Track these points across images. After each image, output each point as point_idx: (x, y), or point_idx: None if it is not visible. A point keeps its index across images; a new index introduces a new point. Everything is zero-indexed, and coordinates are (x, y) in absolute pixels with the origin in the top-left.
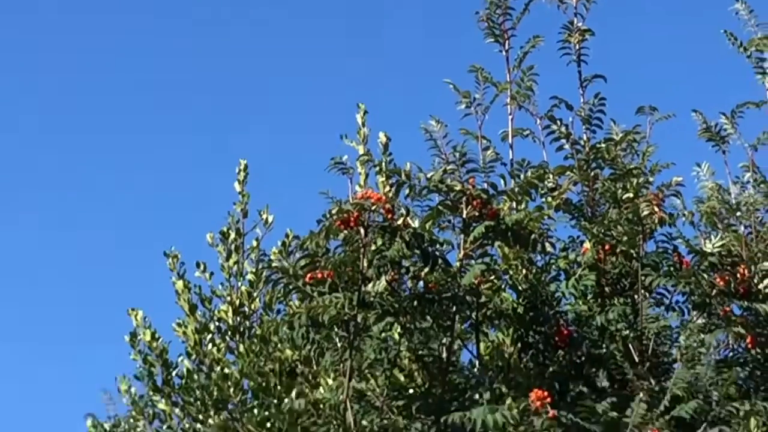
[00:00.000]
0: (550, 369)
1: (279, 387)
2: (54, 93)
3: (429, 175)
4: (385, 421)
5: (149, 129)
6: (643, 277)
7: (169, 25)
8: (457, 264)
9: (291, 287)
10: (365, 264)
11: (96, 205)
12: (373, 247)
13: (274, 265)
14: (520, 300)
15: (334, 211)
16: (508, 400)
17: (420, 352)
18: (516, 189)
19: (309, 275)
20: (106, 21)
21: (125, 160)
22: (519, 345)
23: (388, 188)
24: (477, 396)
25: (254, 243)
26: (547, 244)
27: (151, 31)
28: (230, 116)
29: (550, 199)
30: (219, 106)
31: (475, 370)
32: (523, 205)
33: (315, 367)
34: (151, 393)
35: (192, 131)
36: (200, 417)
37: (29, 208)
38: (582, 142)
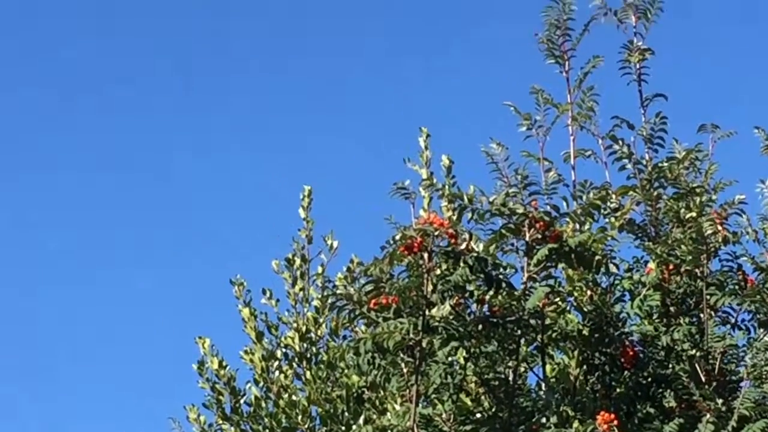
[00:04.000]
0: (617, 390)
1: (346, 413)
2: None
3: (491, 199)
4: None
5: (212, 155)
6: (708, 296)
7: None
8: (521, 287)
9: (356, 313)
10: (429, 289)
11: (162, 235)
12: (437, 272)
13: (339, 292)
14: (585, 321)
15: (397, 237)
16: (575, 423)
17: (486, 376)
18: (579, 210)
19: (374, 301)
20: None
21: (190, 188)
22: (585, 367)
23: (451, 212)
24: (544, 419)
25: (319, 269)
26: (611, 265)
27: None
28: (294, 142)
29: (613, 219)
30: (283, 130)
31: (542, 393)
32: (586, 227)
33: (382, 393)
34: (219, 421)
35: (255, 157)
36: None
37: (98, 240)
38: (644, 162)
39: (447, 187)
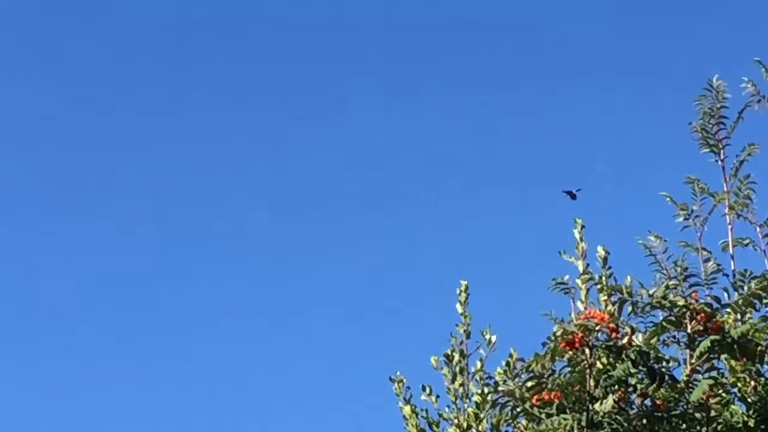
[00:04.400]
0: None
1: None
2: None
3: (651, 292)
4: None
5: (367, 250)
6: None
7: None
8: (684, 379)
9: (518, 410)
10: (592, 384)
11: (320, 334)
12: (599, 366)
13: (500, 388)
14: (751, 413)
15: (558, 333)
16: None
17: None
18: (740, 301)
19: (536, 397)
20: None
21: (348, 286)
22: None
23: (610, 305)
24: None
25: (478, 364)
26: None
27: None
28: (450, 237)
29: None
30: (440, 226)
31: None
32: (747, 317)
33: None
34: None
35: (411, 252)
36: None
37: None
38: None
39: (603, 278)
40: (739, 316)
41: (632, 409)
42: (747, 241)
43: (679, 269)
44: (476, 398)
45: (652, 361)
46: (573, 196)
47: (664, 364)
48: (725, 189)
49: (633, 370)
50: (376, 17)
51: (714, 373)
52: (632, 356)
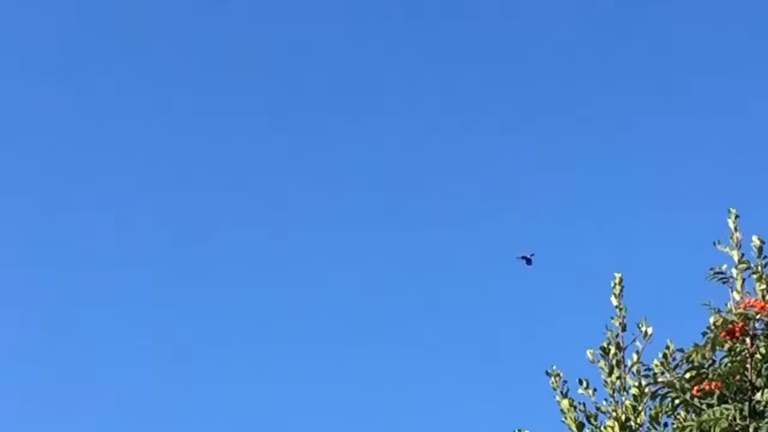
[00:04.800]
0: None
1: None
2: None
3: None
4: None
5: (516, 249)
6: None
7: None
8: None
9: (678, 401)
10: (753, 373)
11: (476, 330)
12: (759, 355)
13: (660, 379)
14: None
15: (718, 323)
16: None
17: None
18: None
19: (696, 387)
20: None
21: (501, 283)
22: None
23: (767, 295)
24: None
25: (634, 357)
26: None
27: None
28: (606, 228)
29: None
30: (593, 220)
31: None
32: None
33: None
34: None
35: (561, 248)
36: None
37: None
38: None
39: (759, 267)
40: None
41: None
42: None
43: None
44: (634, 390)
45: None
46: (528, 261)
47: None
48: None
49: None
50: None
51: None
52: None
